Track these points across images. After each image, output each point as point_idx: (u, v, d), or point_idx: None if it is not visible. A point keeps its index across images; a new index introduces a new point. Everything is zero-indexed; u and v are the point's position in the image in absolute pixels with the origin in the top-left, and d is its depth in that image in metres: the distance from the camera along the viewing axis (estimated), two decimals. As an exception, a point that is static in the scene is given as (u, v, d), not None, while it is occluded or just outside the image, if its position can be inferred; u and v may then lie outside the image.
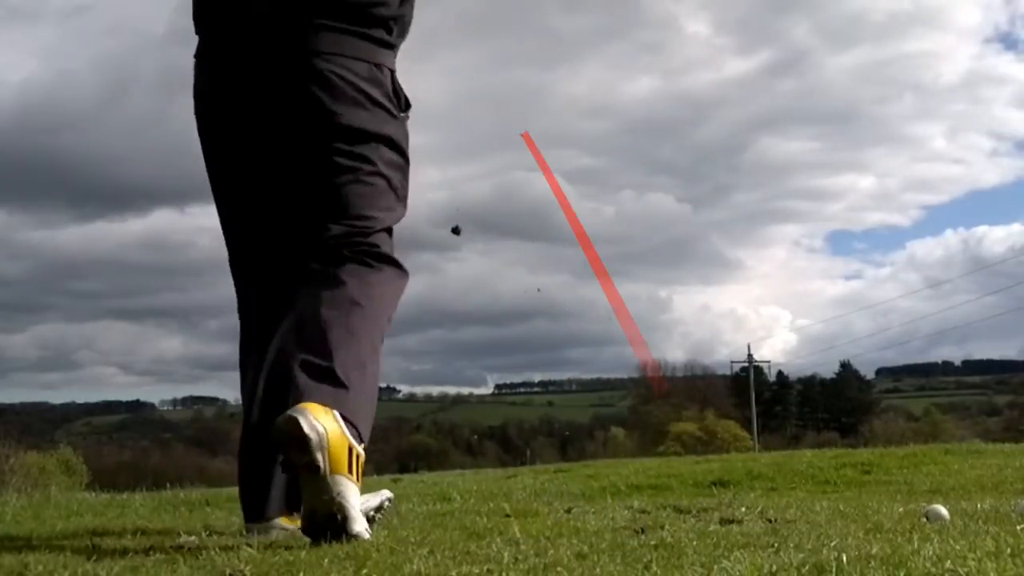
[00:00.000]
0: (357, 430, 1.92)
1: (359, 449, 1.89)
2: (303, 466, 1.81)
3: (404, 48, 2.34)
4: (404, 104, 2.29)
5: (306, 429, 1.79)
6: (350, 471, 1.85)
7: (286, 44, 2.15)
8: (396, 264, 2.24)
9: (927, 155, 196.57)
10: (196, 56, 2.29)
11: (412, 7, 2.33)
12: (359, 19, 2.19)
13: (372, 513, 2.13)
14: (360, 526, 1.85)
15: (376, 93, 2.21)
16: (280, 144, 2.16)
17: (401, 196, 2.30)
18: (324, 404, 1.86)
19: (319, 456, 1.80)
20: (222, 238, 2.32)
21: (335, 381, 1.94)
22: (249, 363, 2.26)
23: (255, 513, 2.19)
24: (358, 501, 1.88)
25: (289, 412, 1.82)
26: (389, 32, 2.26)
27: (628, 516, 2.59)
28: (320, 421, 1.82)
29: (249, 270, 2.28)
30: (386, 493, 2.27)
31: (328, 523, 1.82)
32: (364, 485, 1.94)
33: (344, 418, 1.88)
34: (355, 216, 2.18)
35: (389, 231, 2.27)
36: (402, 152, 2.29)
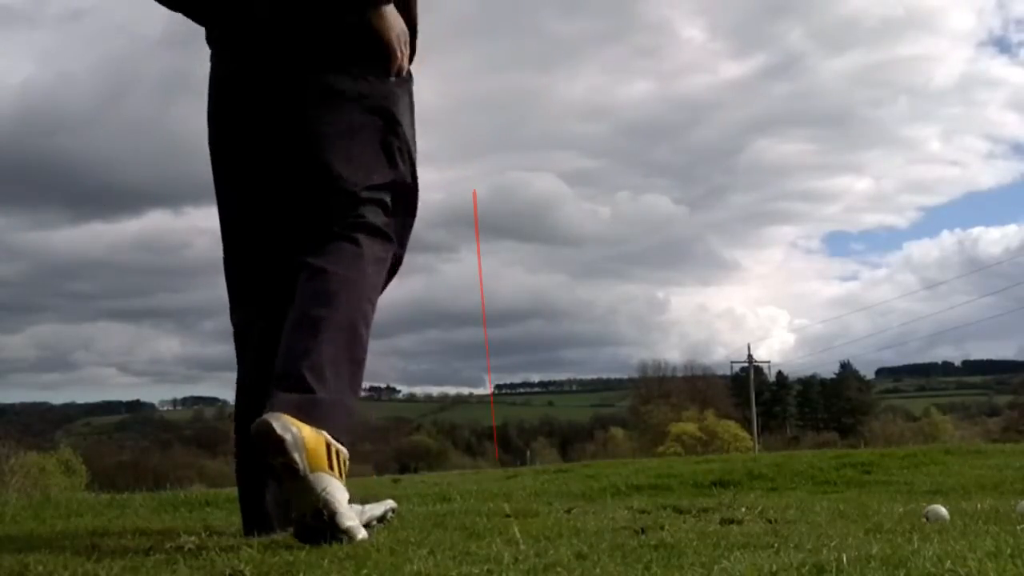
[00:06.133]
0: (333, 429, 1.89)
1: (338, 445, 1.87)
2: (281, 468, 1.80)
3: None
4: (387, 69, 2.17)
5: (279, 431, 1.78)
6: (331, 467, 1.84)
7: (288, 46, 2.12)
8: (384, 236, 2.17)
9: (923, 157, 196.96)
10: (212, 43, 2.25)
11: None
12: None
13: (374, 522, 2.12)
14: (350, 520, 1.83)
15: (358, 53, 2.13)
16: (280, 123, 2.12)
17: (399, 159, 2.20)
18: (290, 415, 1.83)
19: (296, 456, 1.79)
20: (218, 239, 2.30)
21: (303, 387, 1.90)
22: (239, 373, 2.25)
23: (254, 525, 2.17)
24: (344, 496, 1.85)
25: (263, 416, 1.82)
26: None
27: (628, 516, 2.59)
28: (293, 424, 1.81)
29: (242, 277, 2.24)
30: (390, 503, 2.26)
31: (316, 521, 1.80)
32: (364, 486, 1.94)
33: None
34: (338, 176, 2.10)
35: (382, 204, 2.18)
36: (388, 112, 2.17)
